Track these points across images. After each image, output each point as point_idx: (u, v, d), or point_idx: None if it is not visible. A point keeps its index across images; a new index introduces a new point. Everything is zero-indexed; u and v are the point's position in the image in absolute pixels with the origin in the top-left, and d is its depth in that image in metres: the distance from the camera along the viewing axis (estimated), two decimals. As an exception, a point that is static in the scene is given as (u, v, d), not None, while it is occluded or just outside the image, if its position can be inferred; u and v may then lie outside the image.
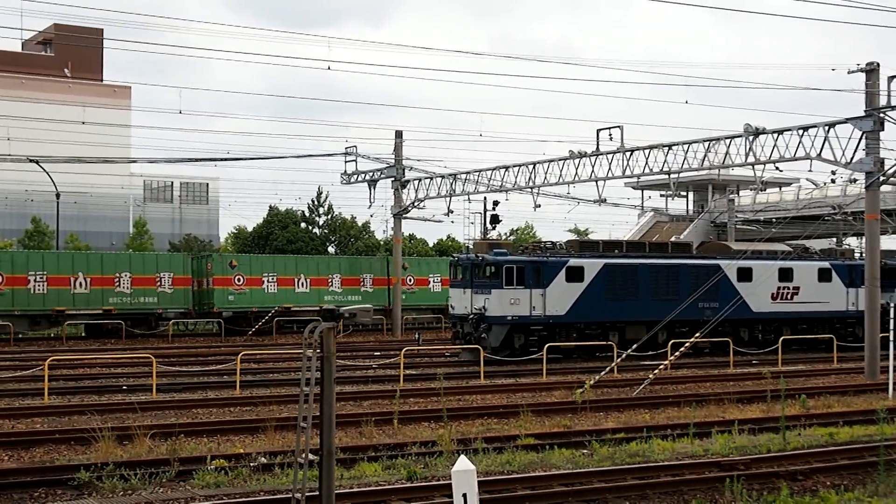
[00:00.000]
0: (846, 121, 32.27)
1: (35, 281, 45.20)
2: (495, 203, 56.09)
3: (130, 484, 15.19)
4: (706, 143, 37.62)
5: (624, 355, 31.64)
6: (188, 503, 14.04)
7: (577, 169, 42.31)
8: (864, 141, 31.90)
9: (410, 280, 54.43)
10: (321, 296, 52.28)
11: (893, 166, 32.10)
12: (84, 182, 69.43)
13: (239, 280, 50.02)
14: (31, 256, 47.14)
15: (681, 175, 40.85)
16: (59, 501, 14.33)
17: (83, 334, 48.45)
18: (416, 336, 43.76)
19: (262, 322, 49.48)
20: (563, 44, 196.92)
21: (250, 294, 50.39)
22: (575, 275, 37.29)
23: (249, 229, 79.41)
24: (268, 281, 50.91)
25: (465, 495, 10.66)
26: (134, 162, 71.70)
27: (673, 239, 57.42)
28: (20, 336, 45.05)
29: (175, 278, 48.61)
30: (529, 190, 45.72)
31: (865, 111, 31.77)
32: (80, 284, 46.13)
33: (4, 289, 44.50)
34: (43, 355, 33.67)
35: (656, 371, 29.54)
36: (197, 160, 56.41)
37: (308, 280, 52.20)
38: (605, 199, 44.07)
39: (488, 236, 57.89)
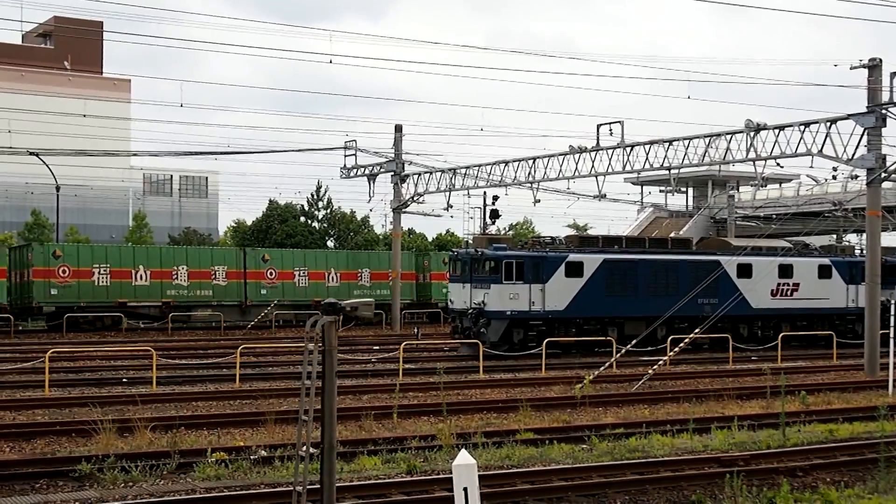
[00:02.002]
0: (848, 117, 32.26)
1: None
2: (495, 198, 56.07)
3: (131, 476, 15.21)
4: (707, 139, 37.62)
5: (623, 351, 31.66)
6: (189, 495, 14.05)
7: (577, 164, 42.32)
8: (865, 137, 31.90)
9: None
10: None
11: (895, 163, 32.11)
12: (84, 175, 69.40)
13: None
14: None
15: (681, 171, 40.81)
16: (60, 493, 14.35)
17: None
18: (416, 330, 43.79)
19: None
20: (562, 38, 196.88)
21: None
22: (574, 270, 37.30)
23: (249, 223, 79.45)
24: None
25: (465, 489, 10.66)
26: (134, 155, 71.66)
27: (673, 235, 57.51)
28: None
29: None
30: (529, 185, 45.71)
31: (867, 107, 31.77)
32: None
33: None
34: (43, 347, 33.69)
35: (656, 367, 29.56)
36: (197, 154, 56.49)
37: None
38: (605, 195, 44.05)
39: (488, 231, 57.89)
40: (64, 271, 45.84)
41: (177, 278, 48.62)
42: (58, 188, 58.46)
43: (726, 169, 62.74)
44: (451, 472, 11.09)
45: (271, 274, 51.40)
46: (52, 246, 48.13)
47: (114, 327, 46.36)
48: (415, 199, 52.76)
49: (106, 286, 46.70)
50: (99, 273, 46.62)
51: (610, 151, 40.74)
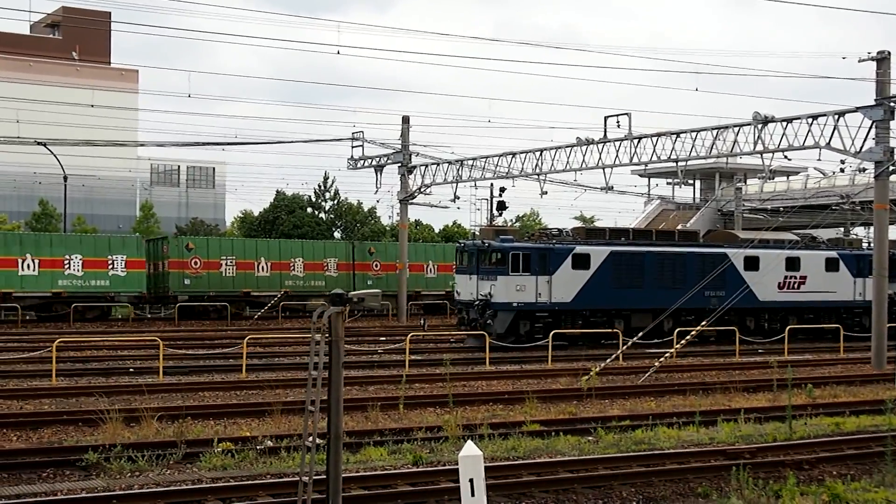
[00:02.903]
0: (856, 109, 32.17)
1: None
2: (502, 189, 56.06)
3: (138, 465, 15.26)
4: (714, 131, 37.55)
5: (629, 343, 31.63)
6: (195, 485, 14.07)
7: (584, 156, 42.26)
8: (873, 130, 31.81)
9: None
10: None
11: (903, 156, 32.02)
12: (91, 165, 69.41)
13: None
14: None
15: (688, 163, 40.73)
16: (67, 482, 14.39)
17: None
18: (422, 322, 43.80)
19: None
20: (568, 30, 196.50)
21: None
22: (581, 262, 37.27)
23: (256, 214, 79.49)
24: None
25: (471, 480, 10.68)
26: (142, 145, 71.59)
27: (680, 227, 57.34)
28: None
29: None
30: (536, 177, 45.66)
31: (875, 100, 31.66)
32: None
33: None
34: (50, 337, 33.76)
35: (662, 359, 29.55)
36: (204, 144, 56.47)
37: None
38: (612, 187, 43.98)
39: (494, 223, 57.87)
40: (196, 262, 48.88)
41: (294, 269, 51.52)
42: (65, 178, 58.53)
43: (734, 161, 62.87)
44: (457, 464, 11.11)
45: (376, 266, 54.20)
46: (186, 239, 51.29)
47: (237, 316, 49.40)
48: (422, 190, 52.74)
49: (232, 277, 49.68)
50: (226, 264, 49.63)
51: (617, 143, 40.68)
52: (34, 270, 44.88)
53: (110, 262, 46.68)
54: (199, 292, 48.55)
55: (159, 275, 49.16)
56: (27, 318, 45.83)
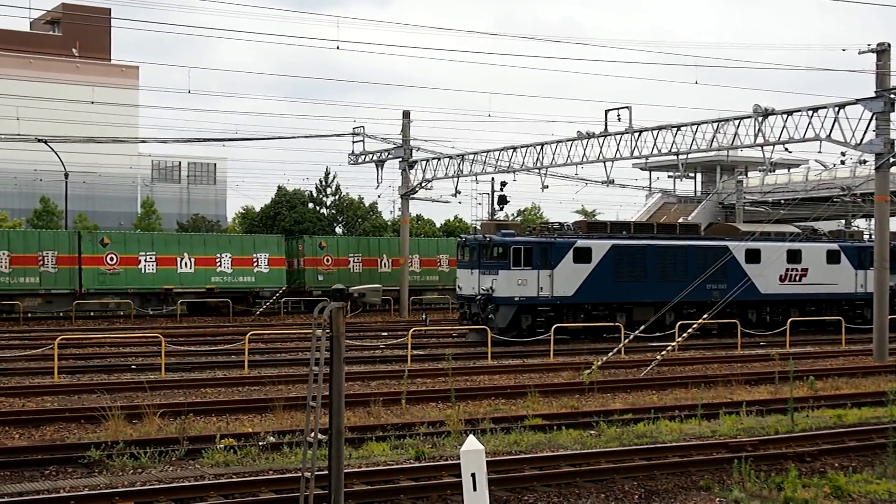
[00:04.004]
0: (856, 102, 32.14)
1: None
2: (503, 184, 56.00)
3: (140, 462, 15.27)
4: (715, 124, 37.52)
5: (631, 336, 31.65)
6: (198, 481, 14.08)
7: (584, 150, 42.24)
8: (873, 122, 31.79)
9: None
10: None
11: (903, 148, 32.00)
12: (92, 162, 69.50)
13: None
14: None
15: (689, 156, 40.70)
16: (69, 479, 14.40)
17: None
18: (424, 317, 43.81)
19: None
20: (569, 23, 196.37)
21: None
22: (583, 256, 37.26)
23: (257, 209, 79.51)
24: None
25: (473, 475, 10.68)
26: (142, 142, 71.66)
27: (681, 220, 57.36)
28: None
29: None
30: (537, 171, 45.65)
31: (875, 92, 31.64)
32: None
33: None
34: (52, 334, 33.79)
35: (664, 352, 29.56)
36: (205, 140, 56.43)
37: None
38: (613, 180, 43.88)
39: (496, 217, 57.84)
40: (328, 259, 53.18)
41: (411, 265, 54.79)
42: (66, 175, 58.53)
43: (734, 154, 62.66)
44: (459, 458, 11.11)
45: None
46: (318, 238, 55.23)
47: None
48: (423, 185, 52.73)
49: (359, 273, 53.90)
50: (354, 261, 53.95)
51: (618, 137, 40.66)
52: (190, 268, 48.44)
53: (255, 259, 50.46)
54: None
55: (296, 271, 53.10)
56: (182, 312, 48.09)
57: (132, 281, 46.83)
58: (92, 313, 47.45)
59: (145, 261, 47.32)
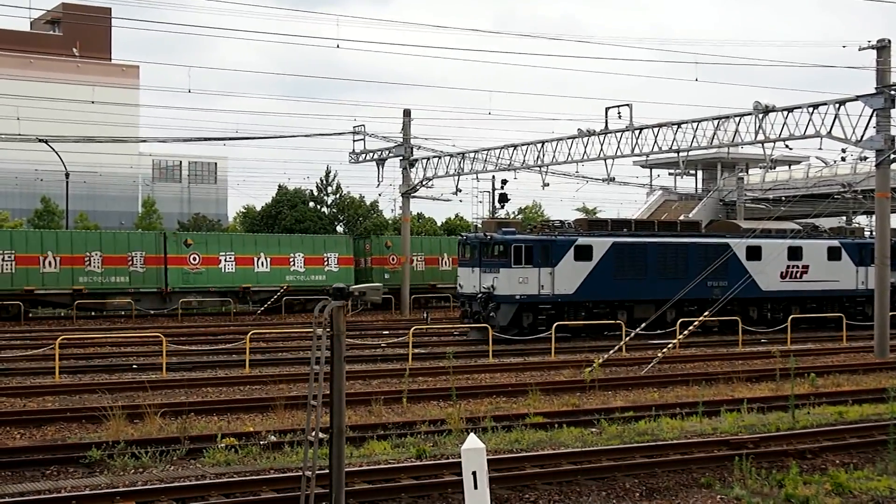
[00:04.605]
0: (856, 98, 32.12)
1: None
2: (503, 182, 56.09)
3: (141, 462, 15.28)
4: (715, 122, 37.49)
5: (632, 334, 31.63)
6: (199, 481, 14.09)
7: (585, 147, 42.21)
8: (874, 118, 31.76)
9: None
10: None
11: (904, 144, 31.97)
12: (93, 161, 69.46)
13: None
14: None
15: (690, 153, 40.69)
16: (70, 479, 14.41)
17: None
18: (425, 315, 43.81)
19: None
20: (568, 21, 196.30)
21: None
22: (583, 254, 37.25)
23: (258, 208, 79.49)
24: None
25: (474, 473, 10.68)
26: (143, 141, 71.66)
27: (682, 218, 57.33)
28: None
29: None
30: (538, 168, 45.64)
31: (876, 88, 31.62)
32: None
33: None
34: (53, 334, 33.80)
35: (665, 350, 29.55)
36: (205, 139, 56.42)
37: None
38: (614, 178, 43.86)
39: (497, 215, 57.87)
40: (393, 259, 54.92)
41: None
42: (67, 175, 58.53)
43: (735, 151, 62.73)
44: (460, 457, 11.11)
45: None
46: (385, 238, 57.27)
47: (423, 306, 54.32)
48: (423, 183, 52.73)
49: (422, 270, 55.84)
50: (417, 260, 55.64)
51: (618, 134, 40.64)
52: (267, 267, 50.37)
53: (325, 259, 52.14)
54: (397, 285, 52.94)
55: (363, 270, 54.94)
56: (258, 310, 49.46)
57: (213, 280, 49.00)
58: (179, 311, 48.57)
59: (225, 260, 49.41)
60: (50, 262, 45.13)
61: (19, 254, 44.60)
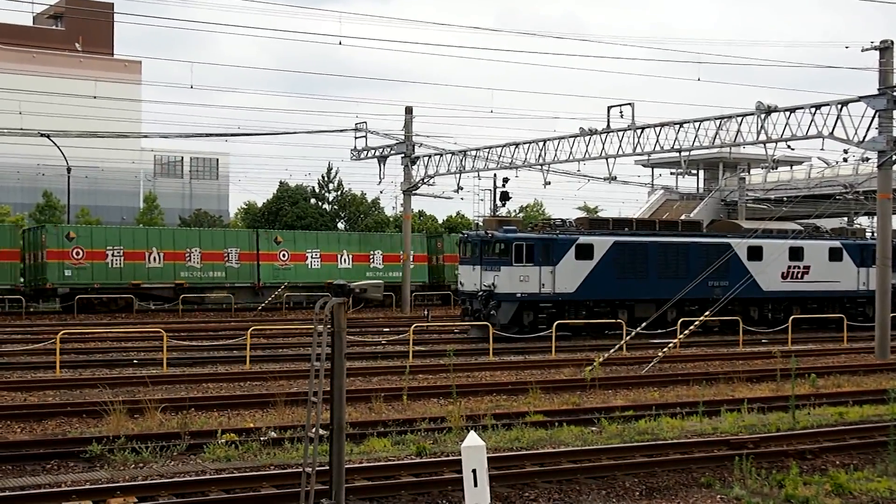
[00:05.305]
0: (859, 99, 32.10)
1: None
2: (505, 180, 56.00)
3: (141, 457, 15.27)
4: (717, 121, 37.49)
5: (633, 333, 31.62)
6: (199, 476, 14.09)
7: (587, 146, 42.20)
8: (876, 119, 31.74)
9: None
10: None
11: (906, 145, 31.95)
12: (95, 157, 69.57)
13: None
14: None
15: (692, 153, 40.70)
16: (71, 474, 14.41)
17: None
18: (426, 313, 43.81)
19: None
20: (570, 19, 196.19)
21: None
22: (584, 252, 37.24)
23: (259, 205, 79.54)
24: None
25: (474, 471, 10.68)
26: (145, 137, 71.69)
27: (683, 217, 57.34)
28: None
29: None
30: (539, 167, 45.64)
31: (878, 89, 31.59)
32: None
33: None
34: (54, 329, 33.80)
35: (665, 349, 29.53)
36: (207, 135, 56.50)
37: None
38: (616, 177, 43.91)
39: (498, 213, 57.84)
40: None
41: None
42: (69, 170, 58.55)
43: (737, 151, 62.76)
44: (460, 454, 11.11)
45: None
46: (456, 236, 54.67)
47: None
48: (425, 181, 52.75)
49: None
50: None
51: (620, 133, 40.64)
52: (349, 264, 53.61)
53: (401, 256, 54.44)
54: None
55: (436, 267, 57.49)
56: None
57: (301, 275, 51.99)
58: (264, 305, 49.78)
59: (311, 257, 52.69)
60: (154, 258, 48.15)
61: (127, 249, 47.14)
